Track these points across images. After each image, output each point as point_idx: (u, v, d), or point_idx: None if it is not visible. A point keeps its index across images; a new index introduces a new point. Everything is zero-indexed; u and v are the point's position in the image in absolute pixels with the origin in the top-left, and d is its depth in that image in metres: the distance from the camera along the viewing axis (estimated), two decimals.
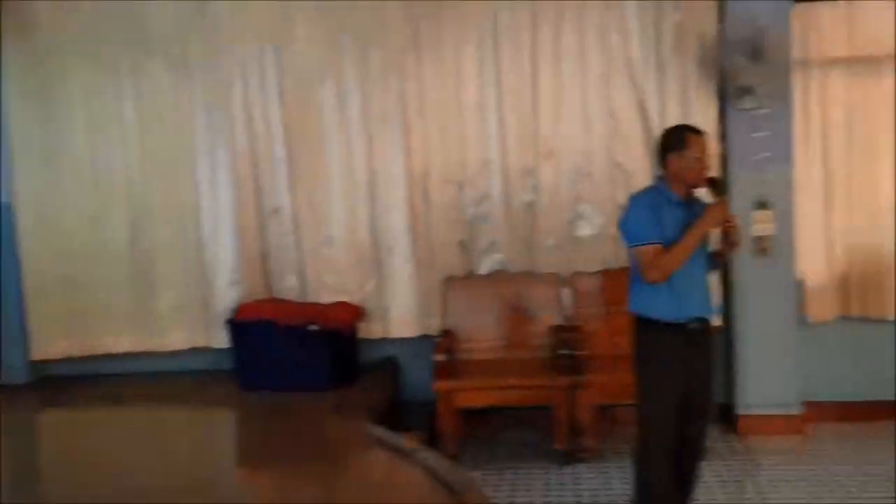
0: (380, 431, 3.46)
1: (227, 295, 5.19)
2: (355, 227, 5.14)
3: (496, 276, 5.06)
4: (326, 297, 5.13)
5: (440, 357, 4.57)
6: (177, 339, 5.28)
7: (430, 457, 2.86)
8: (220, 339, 5.11)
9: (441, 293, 5.04)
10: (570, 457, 4.54)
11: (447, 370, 4.58)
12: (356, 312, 5.04)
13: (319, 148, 5.13)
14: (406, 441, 3.33)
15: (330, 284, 5.16)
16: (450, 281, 5.05)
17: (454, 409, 4.56)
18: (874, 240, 4.90)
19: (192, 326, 5.26)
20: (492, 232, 5.07)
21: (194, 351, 5.30)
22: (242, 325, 4.85)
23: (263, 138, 5.15)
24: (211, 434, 3.74)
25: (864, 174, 4.88)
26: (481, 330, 4.95)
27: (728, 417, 4.96)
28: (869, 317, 4.94)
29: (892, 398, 4.95)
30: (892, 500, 3.89)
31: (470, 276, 5.09)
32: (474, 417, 4.89)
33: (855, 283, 4.94)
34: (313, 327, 4.67)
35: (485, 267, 5.10)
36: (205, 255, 5.23)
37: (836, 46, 4.82)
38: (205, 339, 5.26)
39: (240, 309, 4.98)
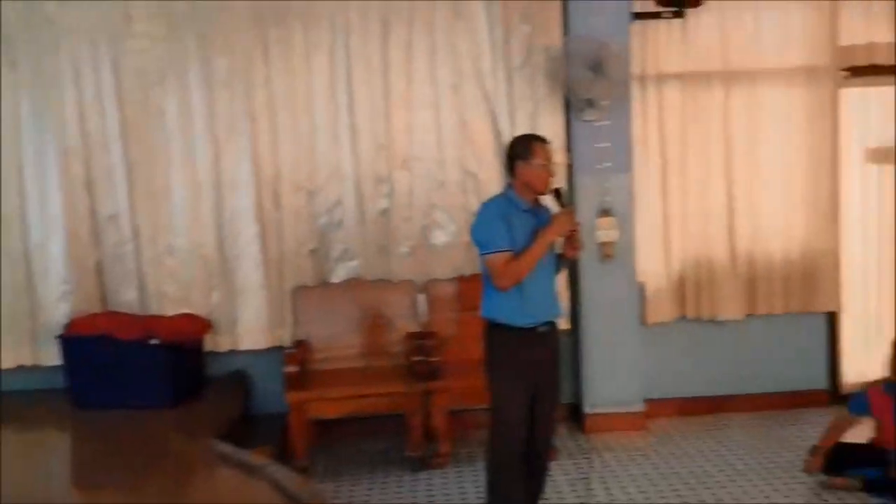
0: (226, 448, 3.33)
1: (57, 308, 4.84)
2: (200, 234, 4.93)
3: (350, 284, 4.99)
4: (169, 309, 4.88)
5: (291, 368, 4.44)
6: (2, 356, 4.86)
7: (279, 471, 2.78)
8: (51, 356, 4.75)
9: (292, 302, 4.91)
10: (423, 463, 4.53)
11: (299, 381, 4.46)
12: (201, 324, 4.82)
13: (161, 152, 4.89)
14: (254, 456, 3.22)
15: (173, 295, 4.92)
16: (301, 290, 4.93)
17: (307, 420, 4.45)
18: (707, 245, 5.20)
19: (18, 343, 4.87)
20: (345, 239, 5.00)
21: (23, 369, 4.90)
22: (75, 341, 4.53)
23: (98, 141, 4.85)
24: (44, 456, 3.46)
25: (697, 184, 5.18)
26: (335, 339, 4.86)
27: (576, 417, 5.13)
28: (703, 318, 5.24)
29: (726, 393, 5.29)
30: (727, 489, 4.14)
31: (323, 285, 4.99)
32: (330, 427, 4.80)
33: (690, 287, 5.23)
34: (154, 341, 4.42)
35: (338, 275, 5.02)
36: (32, 265, 4.86)
37: (670, 62, 5.10)
38: (33, 357, 4.89)
39: (72, 323, 4.65)
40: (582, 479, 4.33)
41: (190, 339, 4.70)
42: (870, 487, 3.98)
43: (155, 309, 4.90)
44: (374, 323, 4.90)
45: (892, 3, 5.11)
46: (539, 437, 3.51)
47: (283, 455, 4.43)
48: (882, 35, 5.14)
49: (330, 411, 4.50)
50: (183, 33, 4.82)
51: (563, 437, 4.82)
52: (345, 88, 4.91)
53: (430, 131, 4.97)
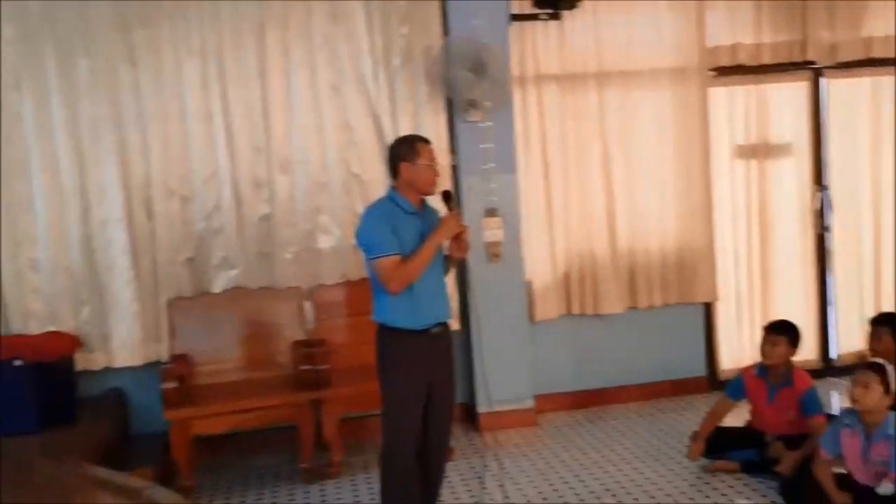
0: (102, 472, 3.13)
1: None
2: (66, 246, 4.63)
3: (232, 294, 4.79)
4: (35, 328, 4.57)
5: (169, 384, 4.22)
6: None
7: (159, 493, 2.64)
8: None
9: (169, 315, 4.68)
10: (316, 474, 4.42)
11: (179, 397, 4.25)
12: (70, 342, 4.52)
13: (19, 160, 4.56)
14: (133, 479, 3.04)
15: (38, 312, 4.61)
16: (178, 301, 4.70)
17: (189, 438, 4.25)
18: (590, 243, 5.32)
19: None
20: (224, 246, 4.81)
21: None
22: None
23: None
24: None
25: (579, 182, 5.28)
26: (218, 351, 4.67)
27: (470, 416, 5.14)
28: (588, 313, 5.35)
29: (611, 385, 5.43)
30: (615, 478, 4.24)
31: (202, 295, 4.78)
32: (218, 443, 4.62)
33: (575, 284, 5.34)
34: (17, 362, 4.11)
35: (218, 284, 4.82)
36: None
37: (549, 63, 5.19)
38: None
39: None
40: (476, 478, 4.32)
41: (58, 358, 4.39)
42: (748, 468, 4.16)
43: (18, 328, 4.58)
44: (259, 333, 4.74)
45: (753, 3, 5.37)
46: (435, 439, 3.49)
47: (167, 476, 4.23)
48: (745, 36, 5.41)
49: (215, 427, 4.32)
50: (39, 35, 4.52)
51: (458, 436, 4.81)
52: (218, 90, 4.74)
53: (311, 133, 4.86)
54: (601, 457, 4.55)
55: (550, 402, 5.30)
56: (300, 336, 4.75)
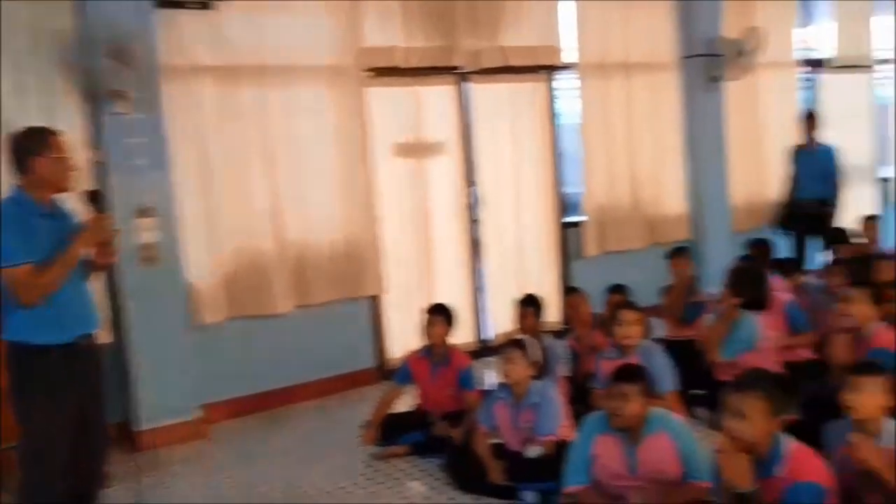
0: None
1: None
2: None
3: None
4: None
5: None
6: None
7: None
8: None
9: None
10: None
11: None
12: None
13: None
14: None
15: None
16: None
17: None
18: (256, 242, 5.17)
19: None
20: None
21: None
22: None
23: None
24: None
25: (242, 180, 5.11)
26: None
27: (127, 436, 4.70)
28: (256, 314, 5.20)
29: (285, 385, 5.33)
30: (287, 479, 4.16)
31: None
32: None
33: (241, 284, 5.15)
34: None
35: None
36: None
37: (203, 55, 4.93)
38: None
39: None
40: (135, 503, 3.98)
41: None
42: (417, 450, 4.33)
43: None
44: None
45: (405, 8, 5.59)
46: (86, 467, 3.20)
47: None
48: (399, 39, 5.61)
49: None
50: None
51: (113, 460, 4.36)
52: None
53: None
54: (275, 460, 4.45)
55: (222, 411, 5.06)
56: None
